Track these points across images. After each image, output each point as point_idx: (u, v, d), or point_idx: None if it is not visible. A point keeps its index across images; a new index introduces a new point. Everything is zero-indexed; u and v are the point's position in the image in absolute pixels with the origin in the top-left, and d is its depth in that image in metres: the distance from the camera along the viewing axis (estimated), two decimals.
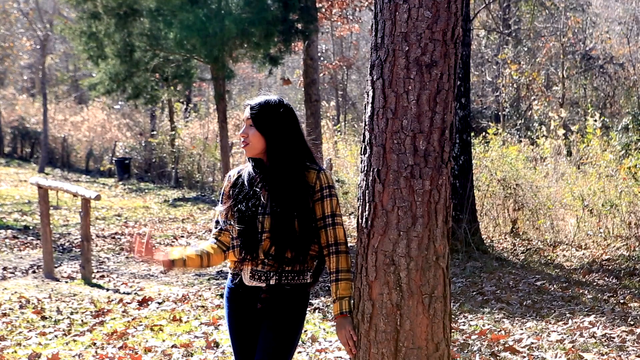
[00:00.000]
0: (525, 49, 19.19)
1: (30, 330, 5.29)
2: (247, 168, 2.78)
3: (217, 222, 2.77)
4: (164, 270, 2.89)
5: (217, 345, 4.81)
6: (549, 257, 8.06)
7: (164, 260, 2.65)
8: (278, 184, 2.64)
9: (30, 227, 10.76)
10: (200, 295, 6.50)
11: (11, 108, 27.71)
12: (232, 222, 2.70)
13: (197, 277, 7.56)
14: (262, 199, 2.67)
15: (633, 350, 4.63)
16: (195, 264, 2.70)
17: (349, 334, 2.66)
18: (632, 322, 5.31)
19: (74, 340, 4.98)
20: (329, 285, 2.78)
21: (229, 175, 2.82)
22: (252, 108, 2.69)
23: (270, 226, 2.63)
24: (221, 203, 2.77)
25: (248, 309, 2.74)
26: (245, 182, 2.72)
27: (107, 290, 6.87)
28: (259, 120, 2.66)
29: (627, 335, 4.94)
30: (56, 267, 7.84)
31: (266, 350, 2.66)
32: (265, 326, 2.69)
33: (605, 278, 6.93)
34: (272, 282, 2.67)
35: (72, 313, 5.84)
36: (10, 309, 5.97)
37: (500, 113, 19.04)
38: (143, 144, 21.47)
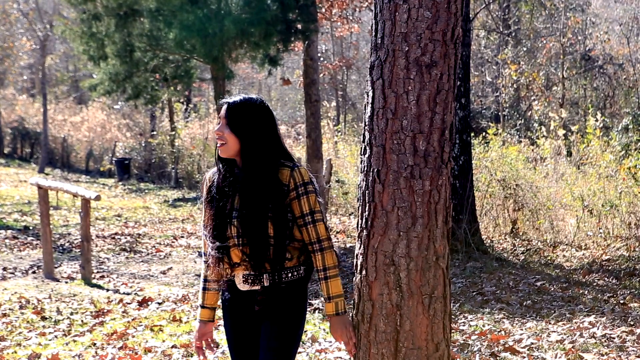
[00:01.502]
0: (525, 49, 19.19)
1: (30, 331, 5.28)
2: (219, 172, 2.71)
3: (205, 228, 2.71)
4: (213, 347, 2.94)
5: (217, 345, 4.81)
6: (548, 258, 8.06)
7: (204, 329, 2.81)
8: (249, 186, 2.58)
9: (30, 228, 10.76)
10: None
11: (11, 108, 27.71)
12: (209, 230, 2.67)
13: (197, 278, 7.56)
14: (234, 203, 2.62)
15: (633, 350, 4.62)
16: (216, 297, 2.81)
17: (350, 334, 2.65)
18: (632, 323, 5.31)
19: (74, 341, 4.98)
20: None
21: (205, 180, 2.75)
22: (229, 107, 2.62)
23: (241, 230, 2.58)
24: (204, 209, 2.72)
25: (246, 314, 2.70)
26: (215, 187, 2.67)
27: (107, 290, 6.87)
28: (235, 120, 2.60)
29: (627, 336, 4.94)
30: (56, 268, 7.84)
31: (269, 349, 2.62)
32: (265, 326, 2.66)
33: (605, 278, 6.93)
34: (265, 283, 2.62)
35: (72, 313, 5.83)
36: (10, 309, 5.97)
37: (500, 113, 19.04)
38: (143, 144, 21.47)
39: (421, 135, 2.54)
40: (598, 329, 5.13)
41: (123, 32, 10.04)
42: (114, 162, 21.28)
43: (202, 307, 2.80)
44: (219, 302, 2.81)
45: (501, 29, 19.41)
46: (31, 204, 13.45)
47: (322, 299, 6.09)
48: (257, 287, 2.63)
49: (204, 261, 2.75)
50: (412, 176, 2.54)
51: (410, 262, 2.57)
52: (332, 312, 2.63)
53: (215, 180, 2.69)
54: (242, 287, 2.66)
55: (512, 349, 4.64)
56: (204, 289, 2.78)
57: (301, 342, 4.82)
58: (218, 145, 2.63)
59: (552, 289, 6.51)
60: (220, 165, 2.68)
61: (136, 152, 21.66)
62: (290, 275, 2.64)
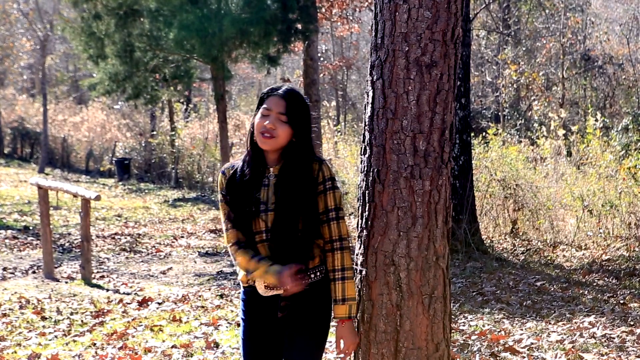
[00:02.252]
0: (525, 49, 19.20)
1: (30, 331, 5.28)
2: (241, 163, 2.58)
3: (228, 221, 2.57)
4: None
5: (217, 345, 4.81)
6: (548, 258, 8.06)
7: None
8: (290, 180, 2.48)
9: (30, 228, 10.76)
10: (200, 296, 6.50)
11: (11, 108, 27.71)
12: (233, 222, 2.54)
13: (197, 278, 7.56)
14: (264, 196, 2.51)
15: (633, 350, 4.62)
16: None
17: (356, 341, 2.58)
18: (632, 323, 5.31)
19: (74, 341, 4.98)
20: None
21: (223, 172, 2.61)
22: (286, 100, 2.48)
23: (272, 224, 2.47)
24: (223, 202, 2.58)
25: (267, 320, 2.58)
26: (238, 180, 2.54)
27: (107, 290, 6.87)
28: (294, 115, 2.48)
29: (627, 336, 4.94)
30: (56, 268, 7.84)
31: (299, 357, 2.53)
32: (291, 334, 2.54)
33: (605, 278, 6.93)
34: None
35: (72, 313, 5.83)
36: (10, 309, 5.96)
37: (500, 113, 19.04)
38: (143, 144, 21.47)
39: (421, 135, 2.54)
40: (598, 329, 5.13)
41: (123, 32, 10.04)
42: (114, 162, 21.29)
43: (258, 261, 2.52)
44: (240, 306, 2.68)
45: (501, 29, 19.41)
46: (31, 204, 13.45)
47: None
48: (279, 292, 2.49)
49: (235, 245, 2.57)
50: (412, 176, 2.54)
51: (410, 262, 2.57)
52: (345, 315, 2.52)
53: (234, 173, 2.57)
54: (264, 292, 2.53)
55: (512, 349, 4.64)
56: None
57: None
58: (264, 137, 2.47)
59: (552, 289, 6.51)
60: (249, 158, 2.56)
61: (136, 152, 21.66)
62: (313, 275, 2.52)
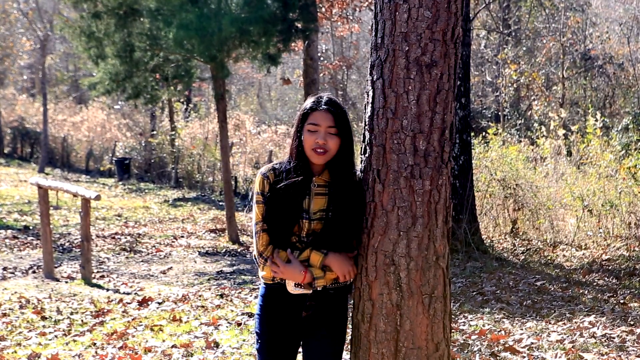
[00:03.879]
0: (525, 49, 19.19)
1: (30, 331, 5.28)
2: (283, 169, 2.63)
3: (261, 222, 2.62)
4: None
5: (217, 345, 4.81)
6: (549, 257, 8.06)
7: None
8: (345, 190, 2.59)
9: (30, 227, 10.76)
10: (200, 296, 6.50)
11: (11, 108, 27.72)
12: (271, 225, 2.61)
13: (197, 278, 7.56)
14: (306, 204, 2.59)
15: (633, 350, 4.62)
16: None
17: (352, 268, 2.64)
18: (632, 322, 5.31)
19: (74, 341, 4.98)
20: None
21: (266, 175, 2.63)
22: (333, 113, 2.57)
23: (326, 232, 2.58)
24: (261, 203, 2.62)
25: (291, 318, 2.66)
26: (292, 186, 2.59)
27: (107, 290, 6.87)
28: (343, 126, 2.59)
29: (627, 335, 4.94)
30: (56, 267, 7.84)
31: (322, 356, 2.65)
32: (316, 335, 2.65)
33: (605, 278, 6.93)
34: (318, 288, 2.60)
35: (72, 313, 5.83)
36: (10, 309, 5.96)
37: (500, 113, 19.04)
38: (143, 144, 21.47)
39: (421, 135, 2.54)
40: (598, 328, 5.13)
41: (123, 32, 10.04)
42: (114, 162, 21.29)
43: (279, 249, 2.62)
44: (259, 302, 2.73)
45: (501, 29, 19.41)
46: (31, 204, 13.45)
47: None
48: (308, 291, 2.60)
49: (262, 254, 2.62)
50: (412, 176, 2.54)
51: (410, 261, 2.57)
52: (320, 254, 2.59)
53: (279, 179, 2.61)
54: (294, 290, 2.61)
55: (512, 349, 4.64)
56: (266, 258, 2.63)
57: None
58: (317, 153, 2.55)
59: (552, 289, 6.51)
60: (295, 165, 2.61)
61: (136, 152, 21.66)
62: (339, 281, 2.64)
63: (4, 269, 7.82)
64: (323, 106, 2.58)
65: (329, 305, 2.65)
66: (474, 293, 6.41)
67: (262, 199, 2.62)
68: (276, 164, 2.69)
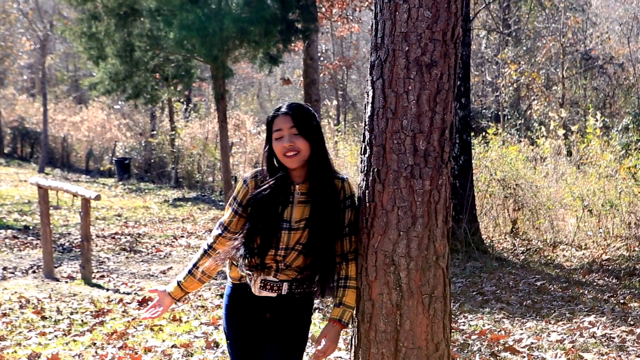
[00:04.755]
0: (525, 49, 19.19)
1: (30, 330, 5.28)
2: (263, 176, 2.59)
3: (223, 225, 2.63)
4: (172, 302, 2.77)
5: (217, 345, 4.81)
6: (549, 257, 8.06)
7: (164, 300, 2.69)
8: (322, 197, 2.54)
9: (30, 227, 10.76)
10: (200, 295, 6.50)
11: (11, 108, 27.72)
12: (241, 232, 2.58)
13: None
14: (288, 214, 2.55)
15: (633, 350, 4.62)
16: (196, 286, 2.70)
17: (334, 347, 2.59)
18: (632, 322, 5.31)
19: (74, 340, 4.98)
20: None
21: (246, 183, 2.60)
22: (292, 115, 2.52)
23: (306, 240, 2.53)
24: (232, 210, 2.61)
25: (255, 319, 2.65)
26: (262, 194, 2.55)
27: (107, 290, 6.87)
28: (304, 125, 2.52)
29: (627, 335, 4.94)
30: (56, 267, 7.84)
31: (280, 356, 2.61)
32: (273, 337, 2.62)
33: (605, 278, 6.93)
34: (284, 292, 2.59)
35: (72, 313, 5.83)
36: (10, 309, 5.96)
37: (500, 113, 19.05)
38: (143, 144, 21.47)
39: (421, 135, 2.54)
40: (598, 328, 5.13)
41: (123, 32, 10.04)
42: (114, 161, 21.29)
43: (179, 284, 2.69)
44: (224, 302, 2.74)
45: (501, 29, 19.41)
46: (31, 204, 13.45)
47: (323, 299, 6.08)
48: (273, 294, 2.59)
49: (206, 250, 2.65)
50: (412, 176, 2.54)
51: (410, 261, 2.57)
52: (336, 317, 2.58)
53: (258, 186, 2.57)
54: (259, 292, 2.60)
55: (512, 349, 4.64)
56: (189, 272, 2.68)
57: None
58: (288, 156, 2.51)
59: (552, 289, 6.51)
60: (270, 175, 2.57)
61: (136, 151, 21.66)
62: (306, 286, 2.62)
63: (4, 268, 7.82)
64: (282, 110, 2.55)
65: (292, 310, 2.62)
66: (474, 293, 6.41)
67: (235, 207, 2.60)
68: (259, 170, 2.63)
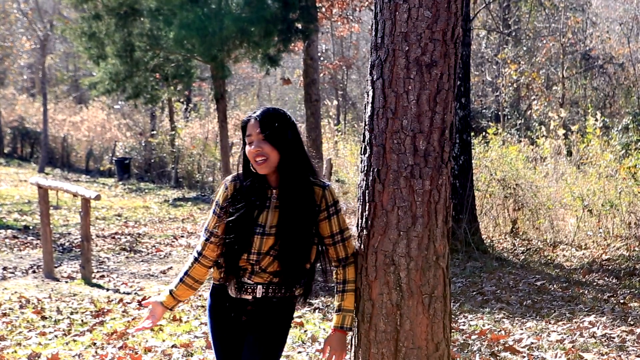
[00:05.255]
0: (525, 49, 19.19)
1: (30, 330, 5.28)
2: (241, 181, 2.60)
3: (208, 231, 2.63)
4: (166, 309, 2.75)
5: None
6: (549, 257, 8.06)
7: (155, 310, 2.67)
8: (291, 203, 2.52)
9: (30, 227, 10.76)
10: (200, 295, 6.50)
11: (11, 108, 27.71)
12: (219, 237, 2.59)
13: None
14: (263, 218, 2.54)
15: (633, 350, 4.62)
16: (189, 294, 2.71)
17: (344, 354, 2.61)
18: (632, 322, 5.31)
19: (74, 340, 4.98)
20: (334, 292, 2.74)
21: (226, 186, 2.62)
22: (260, 121, 2.51)
23: (278, 247, 2.52)
24: (214, 213, 2.62)
25: (233, 321, 2.65)
26: (240, 198, 2.56)
27: (107, 290, 6.87)
28: (271, 131, 2.50)
29: (627, 335, 4.94)
30: (56, 267, 7.84)
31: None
32: (250, 340, 2.62)
33: (605, 278, 6.93)
34: (258, 295, 2.58)
35: (72, 313, 5.83)
36: (10, 309, 5.96)
37: (500, 113, 19.04)
38: (143, 144, 21.47)
39: (421, 135, 2.53)
40: (598, 328, 5.13)
41: (123, 32, 10.04)
42: (114, 161, 21.29)
43: (172, 293, 2.69)
44: (207, 303, 2.76)
45: (501, 29, 19.41)
46: (31, 204, 13.45)
47: (323, 299, 6.08)
48: (249, 297, 2.59)
49: (196, 257, 2.67)
50: (412, 176, 2.54)
51: (410, 261, 2.57)
52: (338, 325, 2.62)
53: (238, 190, 2.58)
54: (235, 294, 2.61)
55: (512, 349, 4.64)
56: (181, 280, 2.69)
57: (301, 342, 4.82)
58: (257, 163, 2.50)
59: (552, 289, 6.51)
60: (248, 180, 2.58)
61: (136, 151, 21.66)
62: (284, 291, 2.60)
63: (4, 268, 7.82)
64: (253, 116, 2.55)
65: (269, 314, 2.60)
66: (474, 293, 6.41)
67: (217, 210, 2.61)
68: (239, 174, 2.64)
